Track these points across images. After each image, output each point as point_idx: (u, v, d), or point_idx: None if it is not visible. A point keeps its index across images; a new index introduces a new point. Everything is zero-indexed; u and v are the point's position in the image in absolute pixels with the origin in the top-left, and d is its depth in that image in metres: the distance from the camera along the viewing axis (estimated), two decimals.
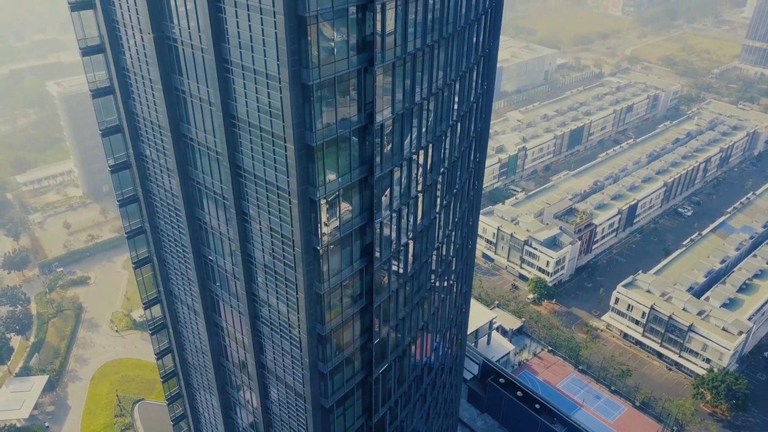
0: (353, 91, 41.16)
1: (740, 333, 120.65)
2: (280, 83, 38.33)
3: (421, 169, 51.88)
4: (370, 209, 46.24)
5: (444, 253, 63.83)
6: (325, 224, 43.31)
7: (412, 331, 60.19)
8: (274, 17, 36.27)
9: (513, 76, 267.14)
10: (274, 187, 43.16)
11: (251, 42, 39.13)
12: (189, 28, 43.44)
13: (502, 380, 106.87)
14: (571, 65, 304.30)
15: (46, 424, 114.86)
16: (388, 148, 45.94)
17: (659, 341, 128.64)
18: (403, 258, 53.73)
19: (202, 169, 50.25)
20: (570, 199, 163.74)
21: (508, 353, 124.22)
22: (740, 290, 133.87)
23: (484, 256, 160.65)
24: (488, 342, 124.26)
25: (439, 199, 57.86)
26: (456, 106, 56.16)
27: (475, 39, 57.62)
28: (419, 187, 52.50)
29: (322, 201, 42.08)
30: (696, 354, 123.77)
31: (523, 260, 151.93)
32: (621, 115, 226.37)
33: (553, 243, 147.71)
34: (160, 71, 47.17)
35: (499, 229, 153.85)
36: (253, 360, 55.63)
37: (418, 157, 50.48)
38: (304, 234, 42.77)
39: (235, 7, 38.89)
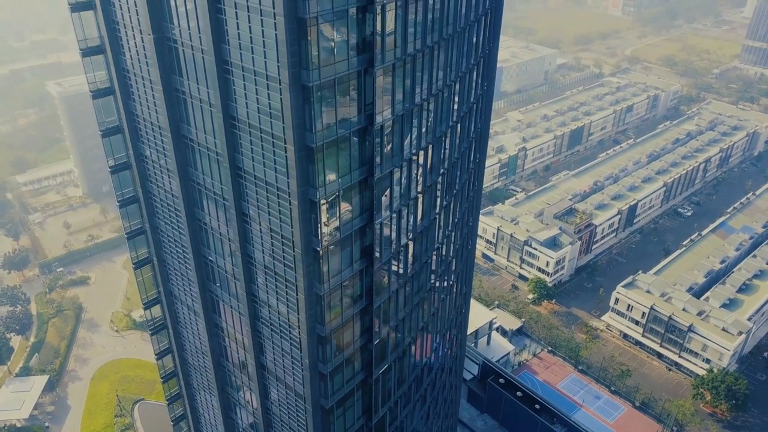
0: (353, 92, 41.20)
1: (740, 333, 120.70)
2: (280, 84, 38.38)
3: (421, 170, 51.93)
4: (370, 210, 46.29)
5: (444, 253, 63.88)
6: (325, 225, 43.36)
7: (412, 332, 60.24)
8: (275, 18, 36.31)
9: (513, 76, 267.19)
10: (274, 188, 43.20)
11: (251, 43, 39.17)
12: (189, 29, 43.48)
13: (501, 380, 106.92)
14: (571, 65, 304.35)
15: (46, 424, 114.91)
16: (388, 149, 45.98)
17: (659, 341, 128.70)
18: (403, 259, 53.78)
19: (202, 170, 50.29)
20: (570, 200, 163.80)
21: (508, 353, 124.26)
22: (740, 290, 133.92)
23: (484, 256, 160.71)
24: (488, 342, 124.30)
25: (439, 200, 57.91)
26: (456, 107, 56.21)
27: (475, 40, 57.65)
28: (419, 188, 52.55)
29: (322, 202, 42.12)
30: (696, 354, 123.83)
31: (522, 260, 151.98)
32: (621, 115, 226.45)
33: (552, 243, 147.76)
34: (160, 72, 47.20)
35: (499, 230, 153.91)
36: (253, 360, 55.68)
37: (418, 158, 50.53)
38: (304, 235, 42.82)
39: (236, 8, 38.93)
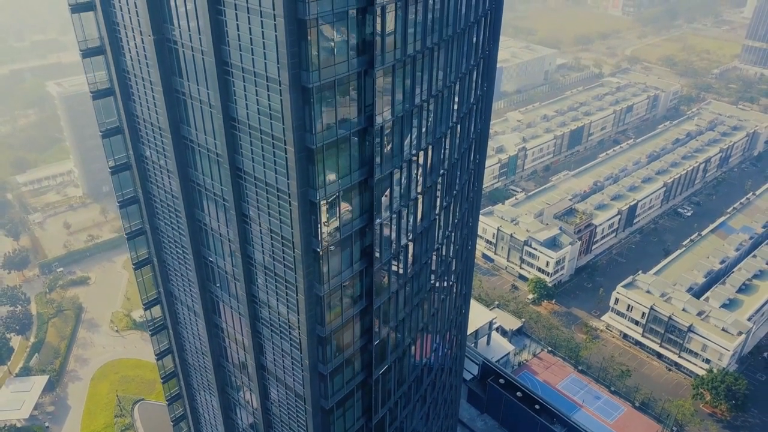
0: (353, 93, 41.24)
1: (740, 333, 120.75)
2: (280, 86, 38.42)
3: (421, 171, 51.97)
4: (370, 211, 46.33)
5: (444, 254, 63.93)
6: (325, 226, 43.41)
7: (412, 332, 60.30)
8: (275, 20, 36.35)
9: (513, 77, 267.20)
10: (274, 189, 43.26)
11: (251, 45, 39.21)
12: (189, 30, 43.52)
13: (501, 381, 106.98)
14: (571, 65, 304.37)
15: (46, 424, 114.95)
16: (388, 149, 46.03)
17: (659, 342, 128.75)
18: (402, 259, 53.83)
19: (202, 171, 50.34)
20: (570, 200, 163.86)
21: (508, 354, 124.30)
22: (740, 291, 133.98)
23: (484, 256, 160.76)
24: (488, 342, 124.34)
25: (439, 201, 57.96)
26: (456, 108, 56.26)
27: (475, 41, 57.69)
28: (419, 189, 52.60)
29: (322, 203, 42.17)
30: (696, 354, 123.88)
31: (522, 260, 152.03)
32: (621, 115, 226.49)
33: (552, 243, 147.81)
34: (160, 73, 47.27)
35: (498, 230, 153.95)
36: (253, 361, 55.73)
37: (418, 159, 50.58)
38: (304, 236, 42.86)
39: (236, 9, 38.97)
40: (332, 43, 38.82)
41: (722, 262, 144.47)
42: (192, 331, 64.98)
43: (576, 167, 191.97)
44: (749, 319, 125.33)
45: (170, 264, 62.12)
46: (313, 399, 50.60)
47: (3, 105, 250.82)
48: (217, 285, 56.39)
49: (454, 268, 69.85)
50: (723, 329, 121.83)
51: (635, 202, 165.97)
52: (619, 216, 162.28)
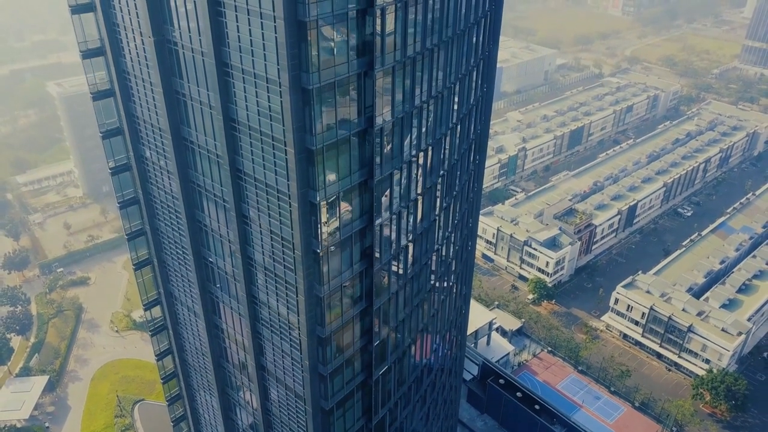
0: (353, 94, 41.30)
1: (739, 334, 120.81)
2: (280, 87, 38.48)
3: (420, 172, 52.04)
4: (370, 212, 46.40)
5: (444, 254, 63.99)
6: (325, 227, 43.46)
7: (412, 333, 60.36)
8: (275, 22, 36.40)
9: (513, 77, 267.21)
10: (275, 190, 43.31)
11: (251, 46, 39.27)
12: (189, 31, 43.57)
13: (501, 381, 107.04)
14: (571, 65, 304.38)
15: (47, 424, 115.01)
16: (388, 150, 46.09)
17: (659, 342, 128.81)
18: (402, 260, 53.89)
19: (202, 172, 50.41)
20: (570, 200, 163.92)
21: (508, 354, 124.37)
22: (740, 291, 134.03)
23: (484, 256, 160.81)
24: (488, 343, 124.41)
25: (438, 201, 58.02)
26: (456, 109, 56.32)
27: (474, 42, 57.74)
28: (419, 190, 52.66)
29: (322, 204, 42.23)
30: (695, 354, 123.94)
31: (522, 261, 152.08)
32: (621, 115, 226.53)
33: (552, 243, 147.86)
34: (160, 74, 47.33)
35: (498, 230, 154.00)
36: (253, 362, 55.80)
37: (417, 160, 50.64)
38: (304, 237, 42.92)
39: (236, 11, 39.03)
40: (332, 45, 38.88)
41: (722, 262, 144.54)
42: (192, 332, 65.04)
43: (576, 167, 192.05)
44: (749, 320, 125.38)
45: (170, 265, 62.18)
46: (313, 400, 50.66)
47: (3, 105, 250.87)
48: (217, 286, 56.45)
49: (453, 269, 69.91)
50: (723, 329, 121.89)
51: (635, 202, 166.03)
52: (619, 216, 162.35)
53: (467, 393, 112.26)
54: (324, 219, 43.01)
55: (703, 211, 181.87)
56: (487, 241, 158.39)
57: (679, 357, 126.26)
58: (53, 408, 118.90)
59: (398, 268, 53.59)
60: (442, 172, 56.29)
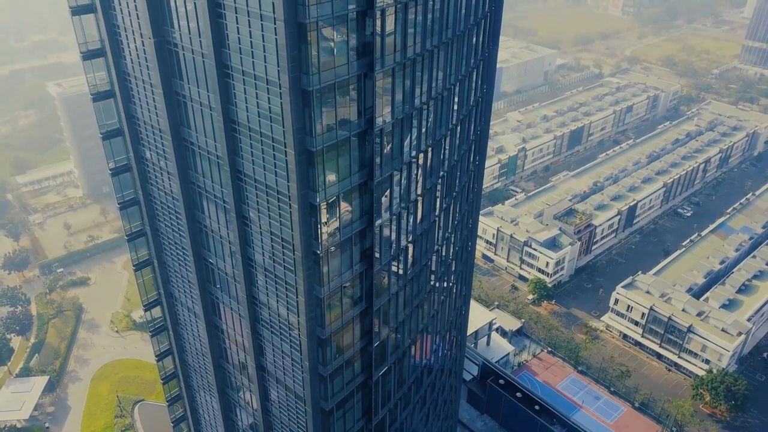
0: (353, 96, 41.35)
1: (739, 334, 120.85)
2: (280, 89, 38.53)
3: (420, 173, 52.09)
4: (370, 213, 46.45)
5: (444, 255, 64.05)
6: (325, 228, 43.51)
7: (412, 334, 60.42)
8: (275, 23, 36.45)
9: (513, 77, 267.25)
10: (275, 192, 43.37)
11: (251, 48, 39.33)
12: (189, 33, 43.62)
13: (501, 381, 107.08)
14: (571, 66, 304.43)
15: (47, 424, 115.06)
16: (388, 151, 46.14)
17: (658, 342, 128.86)
18: (402, 261, 53.94)
19: (202, 173, 50.46)
20: (570, 200, 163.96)
21: (508, 354, 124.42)
22: (739, 291, 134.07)
23: (484, 256, 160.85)
24: (488, 343, 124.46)
25: (438, 202, 58.09)
26: (455, 110, 56.37)
27: (474, 43, 57.79)
28: (419, 191, 52.71)
29: (322, 205, 42.29)
30: (695, 355, 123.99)
31: (522, 261, 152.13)
32: (621, 115, 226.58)
33: (552, 244, 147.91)
34: (160, 75, 47.39)
35: (498, 230, 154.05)
36: (253, 362, 55.85)
37: (417, 161, 50.70)
38: (304, 238, 42.98)
39: (236, 12, 39.07)
40: (332, 46, 38.93)
41: (722, 262, 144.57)
42: (192, 333, 65.10)
43: (576, 167, 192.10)
44: (749, 320, 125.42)
45: (170, 265, 62.24)
46: (313, 400, 50.72)
47: (3, 105, 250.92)
48: (218, 286, 56.50)
49: (453, 269, 69.96)
50: (722, 330, 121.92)
51: (635, 202, 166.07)
52: (618, 216, 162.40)
53: (467, 393, 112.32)
54: (324, 220, 43.07)
55: (703, 212, 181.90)
56: (487, 242, 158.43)
57: (679, 357, 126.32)
58: (53, 408, 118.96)
59: (398, 268, 53.64)
60: (442, 173, 56.35)
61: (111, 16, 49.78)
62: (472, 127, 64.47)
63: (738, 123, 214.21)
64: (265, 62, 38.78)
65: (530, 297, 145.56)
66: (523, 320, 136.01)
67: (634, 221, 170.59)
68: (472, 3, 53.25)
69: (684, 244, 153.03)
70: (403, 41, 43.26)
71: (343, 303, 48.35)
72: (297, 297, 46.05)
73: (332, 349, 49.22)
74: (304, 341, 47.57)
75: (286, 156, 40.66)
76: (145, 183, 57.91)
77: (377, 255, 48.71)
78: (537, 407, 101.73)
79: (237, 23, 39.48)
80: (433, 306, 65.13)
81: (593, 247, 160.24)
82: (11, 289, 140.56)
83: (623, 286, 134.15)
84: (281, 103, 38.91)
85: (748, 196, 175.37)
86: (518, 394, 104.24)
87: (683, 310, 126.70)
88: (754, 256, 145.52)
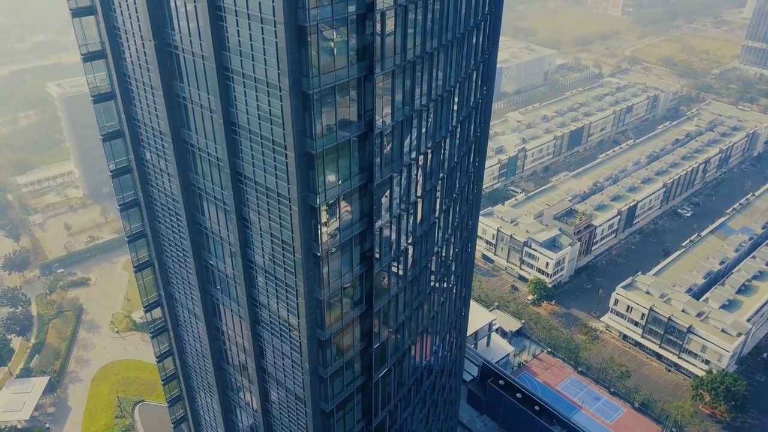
0: (353, 98, 41.43)
1: (739, 334, 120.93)
2: (280, 91, 38.62)
3: (420, 175, 52.17)
4: (370, 215, 46.53)
5: (443, 256, 64.13)
6: (325, 230, 43.60)
7: (412, 335, 60.49)
8: (275, 26, 36.53)
9: (513, 77, 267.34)
10: (275, 194, 43.45)
11: (252, 50, 39.41)
12: (190, 35, 43.71)
13: (501, 382, 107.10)
14: (571, 66, 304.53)
15: (47, 425, 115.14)
16: (388, 153, 46.23)
17: (658, 342, 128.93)
18: (402, 263, 54.01)
19: (202, 175, 50.54)
20: (569, 200, 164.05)
21: (508, 355, 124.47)
22: (739, 291, 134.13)
23: (484, 257, 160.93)
24: (488, 343, 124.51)
25: (438, 204, 58.17)
26: (455, 111, 56.45)
27: (474, 44, 57.86)
28: (419, 192, 52.80)
29: (322, 207, 42.37)
30: (695, 355, 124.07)
31: (522, 261, 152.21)
32: (621, 115, 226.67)
33: (552, 244, 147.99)
34: (160, 77, 47.47)
35: (498, 231, 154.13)
36: (253, 364, 55.93)
37: (417, 163, 50.77)
38: (305, 240, 43.06)
39: (236, 15, 39.15)
40: (332, 49, 39.01)
41: (722, 263, 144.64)
42: (192, 334, 65.19)
43: (576, 168, 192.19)
44: (749, 320, 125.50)
45: (171, 267, 62.32)
46: (313, 402, 50.80)
47: (4, 106, 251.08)
48: (218, 288, 56.59)
49: (453, 270, 70.04)
50: (722, 330, 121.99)
51: (635, 202, 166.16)
52: (618, 217, 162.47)
53: (467, 394, 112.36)
54: (324, 222, 43.15)
55: (703, 212, 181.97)
56: (487, 242, 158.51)
57: (679, 358, 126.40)
58: (54, 409, 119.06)
59: (398, 270, 53.72)
60: (441, 174, 56.43)
61: (111, 18, 49.88)
62: (472, 129, 64.55)
63: (738, 123, 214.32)
64: (266, 65, 38.87)
65: (530, 297, 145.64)
66: (523, 321, 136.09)
67: (634, 222, 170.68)
68: (471, 5, 53.32)
69: (684, 244, 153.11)
70: (403, 43, 43.35)
71: (343, 304, 48.44)
72: (297, 299, 46.14)
73: (332, 350, 49.31)
74: (305, 343, 47.66)
75: (286, 158, 40.74)
76: (145, 184, 58.00)
77: (377, 256, 48.79)
78: (537, 408, 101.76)
79: (237, 26, 39.56)
80: (433, 307, 65.21)
81: (593, 248, 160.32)
82: (11, 290, 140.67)
83: (623, 287, 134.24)
84: (281, 105, 39.00)
85: (747, 197, 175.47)
86: (518, 395, 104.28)
87: (683, 310, 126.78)
88: (753, 257, 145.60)
